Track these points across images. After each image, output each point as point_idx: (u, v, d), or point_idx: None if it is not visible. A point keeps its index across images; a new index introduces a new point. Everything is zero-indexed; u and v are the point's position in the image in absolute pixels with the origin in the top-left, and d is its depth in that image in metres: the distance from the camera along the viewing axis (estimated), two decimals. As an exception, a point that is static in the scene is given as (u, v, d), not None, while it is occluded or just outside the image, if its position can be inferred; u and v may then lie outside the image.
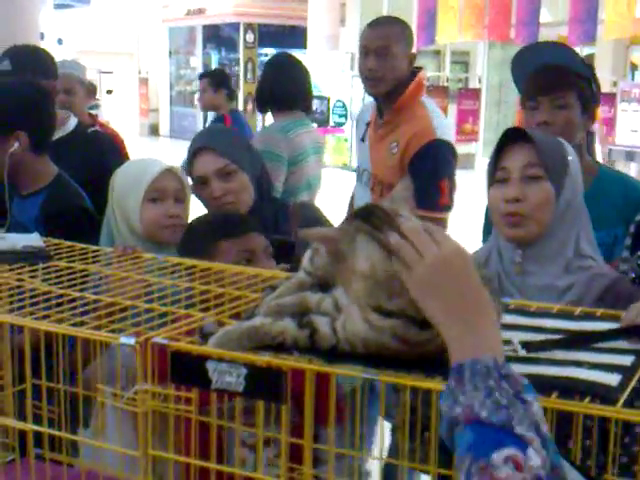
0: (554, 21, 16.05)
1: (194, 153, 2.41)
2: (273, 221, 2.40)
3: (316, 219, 2.52)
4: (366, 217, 1.15)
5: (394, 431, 1.38)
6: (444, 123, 3.20)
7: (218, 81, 5.75)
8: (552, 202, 1.75)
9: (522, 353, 1.16)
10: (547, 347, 1.18)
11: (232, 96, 5.89)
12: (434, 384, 1.08)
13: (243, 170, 2.38)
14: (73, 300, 1.53)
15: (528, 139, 1.76)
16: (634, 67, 16.33)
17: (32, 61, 3.44)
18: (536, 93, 2.37)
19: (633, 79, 13.62)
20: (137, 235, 2.28)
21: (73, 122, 3.59)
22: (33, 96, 2.65)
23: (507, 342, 1.18)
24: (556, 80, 2.36)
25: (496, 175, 1.81)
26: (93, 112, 4.78)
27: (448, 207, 3.08)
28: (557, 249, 1.75)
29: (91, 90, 4.49)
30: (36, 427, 1.43)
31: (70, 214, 2.53)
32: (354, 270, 1.14)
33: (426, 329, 1.08)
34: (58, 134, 3.13)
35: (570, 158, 1.79)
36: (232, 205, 2.37)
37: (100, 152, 3.56)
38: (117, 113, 21.78)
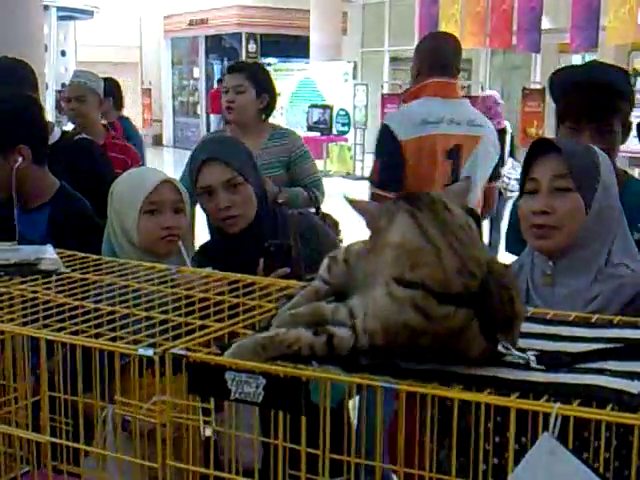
0: (556, 28, 16.07)
1: (202, 163, 2.39)
2: (272, 230, 2.40)
3: (314, 228, 2.52)
4: (412, 200, 1.19)
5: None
6: (395, 112, 3.81)
7: (105, 90, 5.75)
8: (581, 213, 1.74)
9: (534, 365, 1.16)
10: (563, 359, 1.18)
11: (119, 103, 5.90)
12: (454, 393, 1.09)
13: (248, 182, 2.38)
14: (87, 312, 1.53)
15: (558, 150, 1.75)
16: (636, 73, 16.35)
17: (15, 74, 3.47)
18: (581, 118, 2.31)
19: (635, 85, 13.62)
20: (135, 247, 2.27)
21: (57, 131, 3.60)
22: (30, 108, 2.65)
23: (522, 350, 1.19)
24: (602, 105, 2.30)
25: (526, 186, 1.81)
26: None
27: (376, 183, 3.51)
28: (588, 259, 1.74)
29: (102, 100, 4.50)
30: (53, 439, 1.43)
31: (80, 224, 2.54)
32: (387, 243, 1.17)
33: (445, 304, 1.11)
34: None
35: (602, 167, 1.76)
36: (236, 219, 2.37)
37: (91, 159, 3.57)
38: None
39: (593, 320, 1.37)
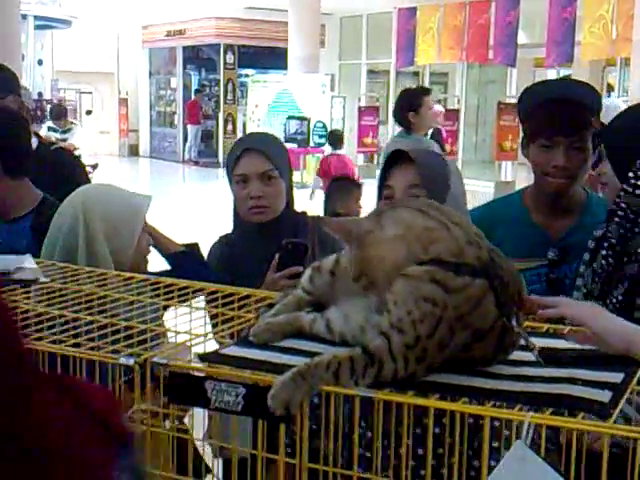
0: (532, 43, 16.23)
1: (242, 152, 2.44)
2: (292, 231, 2.43)
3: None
4: (398, 200, 1.25)
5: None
6: None
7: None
8: None
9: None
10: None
11: None
12: (430, 402, 1.11)
13: (282, 178, 2.45)
14: (67, 322, 1.54)
15: (413, 160, 1.84)
16: (610, 88, 16.54)
17: None
18: (553, 133, 2.31)
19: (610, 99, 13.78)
20: (121, 262, 2.25)
21: (34, 141, 3.60)
22: (1, 120, 2.65)
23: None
24: (576, 120, 2.30)
25: (383, 193, 1.89)
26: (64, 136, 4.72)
27: None
28: None
29: (30, 116, 4.46)
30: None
31: None
32: (385, 239, 1.21)
33: (460, 275, 1.16)
34: None
35: (452, 178, 1.85)
36: (264, 209, 2.42)
37: (70, 168, 3.57)
38: (96, 133, 21.82)
39: (565, 331, 1.40)
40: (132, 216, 2.28)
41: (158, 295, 1.74)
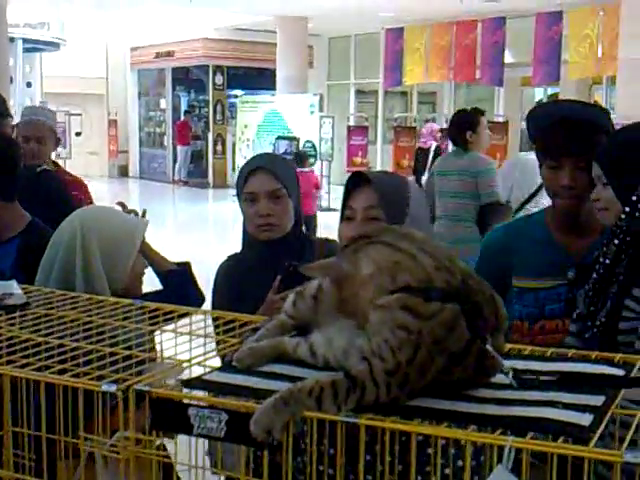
0: (518, 62, 16.34)
1: (251, 171, 2.50)
2: (299, 252, 2.48)
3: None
4: (370, 235, 1.30)
5: None
6: None
7: None
8: None
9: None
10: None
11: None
12: (412, 427, 1.11)
13: (290, 197, 2.50)
14: (52, 348, 1.54)
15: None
16: (597, 106, 16.63)
17: None
18: (557, 154, 2.31)
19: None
20: (117, 282, 2.33)
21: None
22: None
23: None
24: (582, 140, 2.29)
25: (345, 213, 1.96)
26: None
27: None
28: None
29: (59, 138, 4.47)
30: (17, 475, 1.44)
31: None
32: (359, 279, 1.23)
33: (431, 300, 1.17)
34: None
35: (412, 201, 1.91)
36: (272, 227, 2.47)
37: (59, 188, 3.59)
38: (85, 155, 21.83)
39: (548, 354, 1.41)
40: (128, 239, 2.35)
41: (144, 320, 1.74)
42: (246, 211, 2.50)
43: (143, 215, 2.73)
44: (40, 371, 1.41)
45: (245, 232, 2.56)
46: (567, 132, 2.31)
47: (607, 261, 1.99)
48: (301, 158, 11.76)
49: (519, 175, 5.21)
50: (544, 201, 4.92)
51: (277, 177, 2.48)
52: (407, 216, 1.89)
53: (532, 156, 2.73)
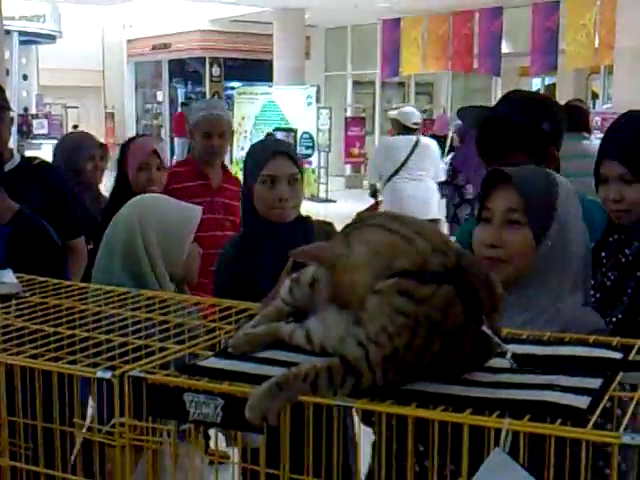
0: (516, 52, 16.32)
1: (272, 154, 2.57)
2: (302, 233, 2.56)
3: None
4: (362, 219, 1.30)
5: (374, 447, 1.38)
6: None
7: None
8: (531, 249, 1.66)
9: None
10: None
11: None
12: (408, 410, 1.10)
13: (302, 182, 2.65)
14: (47, 336, 1.53)
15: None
16: (595, 96, 16.64)
17: None
18: (488, 159, 2.24)
19: (594, 107, 13.87)
20: (176, 276, 2.35)
21: (17, 157, 3.59)
22: None
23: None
24: (498, 142, 2.23)
25: (481, 214, 1.75)
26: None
27: None
28: (533, 296, 1.66)
29: (233, 131, 4.29)
30: (13, 463, 1.43)
31: (39, 247, 2.53)
32: (354, 263, 1.21)
33: (426, 283, 1.16)
34: (8, 167, 3.14)
35: (560, 200, 1.68)
36: (289, 210, 2.57)
37: (57, 179, 3.58)
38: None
39: (545, 338, 1.40)
40: (183, 226, 2.37)
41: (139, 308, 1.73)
42: (262, 192, 2.56)
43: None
44: (35, 358, 1.41)
45: (247, 214, 2.61)
46: (485, 133, 2.30)
47: (623, 259, 1.97)
48: None
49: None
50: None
51: (295, 162, 2.60)
52: (554, 220, 1.67)
53: None
